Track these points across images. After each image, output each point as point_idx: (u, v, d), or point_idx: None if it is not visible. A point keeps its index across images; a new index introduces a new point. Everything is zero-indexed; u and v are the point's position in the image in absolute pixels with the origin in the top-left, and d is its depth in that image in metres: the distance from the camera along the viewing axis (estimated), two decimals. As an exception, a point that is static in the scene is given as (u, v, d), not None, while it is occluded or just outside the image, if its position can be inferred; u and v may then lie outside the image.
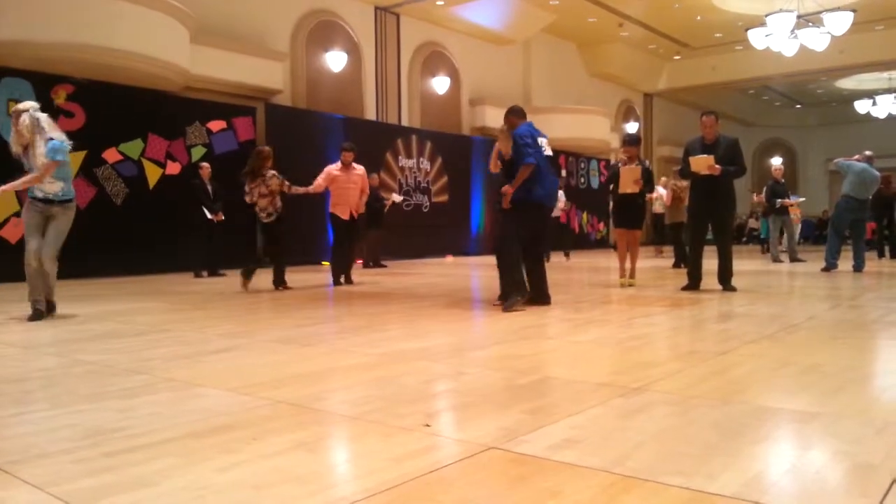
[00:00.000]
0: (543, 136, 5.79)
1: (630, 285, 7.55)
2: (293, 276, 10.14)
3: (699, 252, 6.95)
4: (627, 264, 7.69)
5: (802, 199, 13.87)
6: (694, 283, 6.90)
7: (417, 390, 2.87)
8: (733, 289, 6.71)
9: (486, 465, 1.93)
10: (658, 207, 13.49)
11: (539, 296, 5.80)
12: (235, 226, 10.97)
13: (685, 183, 10.79)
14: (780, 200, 11.84)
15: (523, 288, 5.54)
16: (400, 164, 15.21)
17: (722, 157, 6.60)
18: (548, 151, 5.73)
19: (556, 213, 12.06)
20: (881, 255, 13.59)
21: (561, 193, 11.97)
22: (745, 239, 23.62)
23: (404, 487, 1.76)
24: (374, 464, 1.95)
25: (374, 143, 13.95)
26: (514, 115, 5.84)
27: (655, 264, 11.57)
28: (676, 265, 10.56)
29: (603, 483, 1.77)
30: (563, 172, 20.20)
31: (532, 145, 5.54)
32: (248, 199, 7.89)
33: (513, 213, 5.62)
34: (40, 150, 5.15)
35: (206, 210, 9.71)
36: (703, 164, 6.56)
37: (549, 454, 1.99)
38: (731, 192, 6.81)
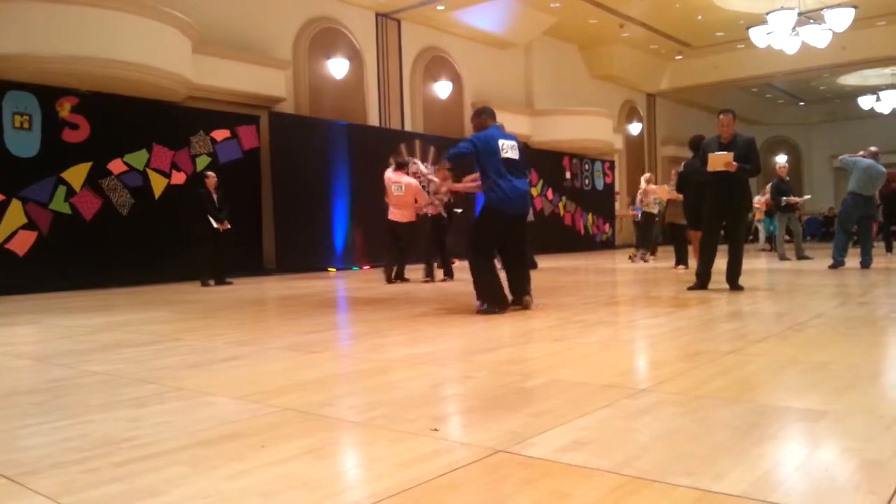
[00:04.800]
0: (510, 138, 5.70)
1: None
2: (304, 282, 10.16)
3: (712, 253, 6.91)
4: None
5: (808, 197, 13.81)
6: (702, 283, 6.86)
7: (424, 395, 2.88)
8: (740, 288, 6.70)
9: (494, 468, 1.93)
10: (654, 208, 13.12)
11: (517, 299, 5.75)
12: (241, 234, 11.03)
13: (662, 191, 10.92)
14: (785, 198, 11.81)
15: (495, 298, 5.53)
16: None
17: (737, 157, 6.56)
18: (509, 154, 5.57)
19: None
20: (889, 249, 13.55)
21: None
22: (751, 237, 23.53)
23: (412, 492, 1.76)
24: (382, 469, 1.96)
25: (377, 149, 13.98)
26: (487, 115, 5.79)
27: (654, 265, 11.54)
28: (677, 265, 10.51)
29: (611, 485, 1.77)
30: (567, 176, 20.17)
31: (469, 147, 5.56)
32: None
33: (477, 221, 5.76)
34: None
35: (212, 219, 9.73)
36: (720, 161, 6.53)
37: (557, 457, 1.99)
38: (746, 192, 6.88)
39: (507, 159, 5.55)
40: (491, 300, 5.52)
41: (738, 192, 6.71)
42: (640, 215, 12.84)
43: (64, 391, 3.19)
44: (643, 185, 12.58)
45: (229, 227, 9.93)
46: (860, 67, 22.39)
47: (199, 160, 11.51)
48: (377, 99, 15.34)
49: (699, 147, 7.86)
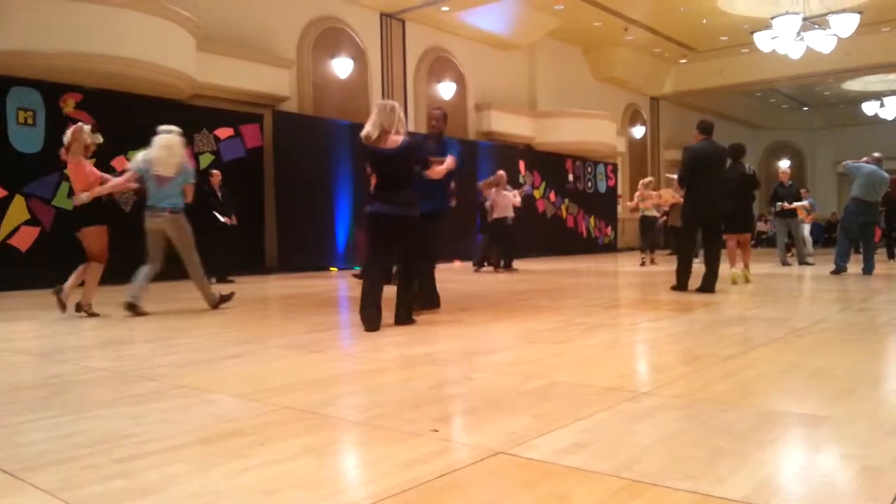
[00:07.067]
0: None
1: (746, 280, 7.98)
2: (305, 281, 10.16)
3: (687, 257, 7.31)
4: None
5: (805, 203, 13.76)
6: (680, 284, 7.09)
7: (425, 395, 2.88)
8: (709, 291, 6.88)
9: (494, 470, 1.94)
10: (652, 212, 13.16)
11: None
12: (243, 233, 11.02)
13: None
14: (780, 203, 11.74)
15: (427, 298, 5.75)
16: (407, 170, 15.24)
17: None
18: None
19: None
20: (891, 256, 13.53)
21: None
22: (753, 242, 23.49)
23: (412, 492, 1.76)
24: (383, 469, 1.96)
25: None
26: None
27: (651, 269, 11.53)
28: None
29: (611, 488, 1.77)
30: (571, 176, 20.13)
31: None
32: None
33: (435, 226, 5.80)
34: None
35: (218, 215, 9.72)
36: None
37: (557, 459, 1.99)
38: (686, 208, 7.12)
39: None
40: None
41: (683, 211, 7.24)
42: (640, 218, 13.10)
43: (65, 387, 3.20)
44: (640, 189, 12.82)
45: (236, 222, 9.94)
46: (864, 73, 22.35)
47: (203, 158, 11.49)
48: (381, 99, 15.35)
49: (737, 154, 8.38)
